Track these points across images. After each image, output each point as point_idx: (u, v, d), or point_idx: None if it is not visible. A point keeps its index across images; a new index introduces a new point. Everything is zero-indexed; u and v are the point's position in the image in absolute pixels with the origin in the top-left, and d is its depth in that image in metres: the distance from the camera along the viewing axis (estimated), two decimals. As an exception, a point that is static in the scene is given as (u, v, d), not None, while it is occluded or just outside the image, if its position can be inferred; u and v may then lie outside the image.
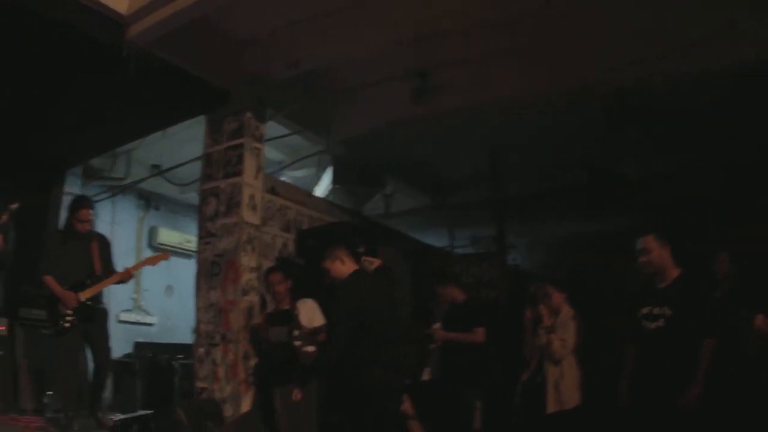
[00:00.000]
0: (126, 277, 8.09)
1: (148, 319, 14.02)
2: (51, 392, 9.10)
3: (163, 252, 13.13)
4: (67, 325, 7.77)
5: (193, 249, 14.19)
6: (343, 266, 6.52)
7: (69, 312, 7.75)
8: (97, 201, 12.08)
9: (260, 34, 8.03)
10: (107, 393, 10.03)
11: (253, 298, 8.51)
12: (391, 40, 7.90)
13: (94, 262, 8.06)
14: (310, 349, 7.05)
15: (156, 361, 10.90)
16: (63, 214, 11.95)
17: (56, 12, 7.16)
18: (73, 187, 12.61)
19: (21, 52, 8.00)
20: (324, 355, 6.48)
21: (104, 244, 8.36)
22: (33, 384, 9.36)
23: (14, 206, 7.42)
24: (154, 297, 14.23)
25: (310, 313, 7.47)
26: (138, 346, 11.84)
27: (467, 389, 7.91)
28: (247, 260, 8.44)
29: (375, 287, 6.60)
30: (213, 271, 8.71)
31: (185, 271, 14.22)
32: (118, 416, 7.18)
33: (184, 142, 11.16)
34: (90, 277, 7.97)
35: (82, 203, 8.19)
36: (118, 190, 13.31)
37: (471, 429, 7.76)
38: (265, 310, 8.52)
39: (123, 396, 10.67)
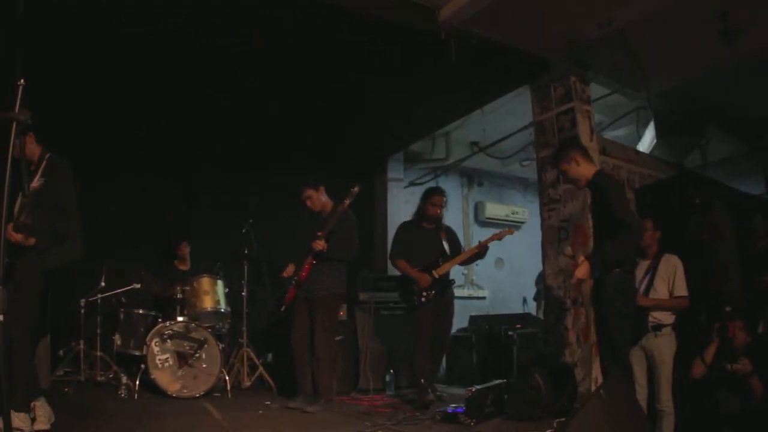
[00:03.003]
0: (482, 250, 8.07)
1: (480, 293, 13.84)
2: (392, 371, 9.10)
3: (495, 226, 13.09)
4: (424, 300, 7.94)
5: (520, 220, 14.01)
6: (579, 167, 6.06)
7: (425, 289, 7.93)
8: (420, 184, 12.13)
9: (570, -2, 7.46)
10: (442, 366, 9.97)
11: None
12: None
13: (443, 243, 8.28)
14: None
15: (493, 333, 10.53)
16: (390, 200, 12.19)
17: (375, 10, 7.22)
18: (396, 173, 12.76)
19: (345, 52, 8.23)
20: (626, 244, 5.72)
21: (452, 233, 8.61)
22: (374, 364, 9.40)
23: (356, 189, 7.41)
24: (485, 271, 13.98)
25: (669, 275, 6.67)
26: (473, 319, 11.58)
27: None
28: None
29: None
30: (560, 236, 8.39)
31: (514, 242, 13.98)
32: (475, 387, 6.92)
33: (501, 116, 10.89)
34: (441, 256, 8.15)
35: (436, 190, 8.44)
36: (440, 170, 13.12)
37: None
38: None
39: (458, 369, 10.66)
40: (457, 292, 11.71)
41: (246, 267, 9.25)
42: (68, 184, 5.54)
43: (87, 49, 7.66)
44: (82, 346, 8.34)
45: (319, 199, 7.79)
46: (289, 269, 7.80)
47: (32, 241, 5.07)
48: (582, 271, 5.79)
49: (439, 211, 8.27)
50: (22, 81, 3.60)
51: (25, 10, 5.41)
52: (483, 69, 8.58)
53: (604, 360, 5.99)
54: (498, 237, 8.16)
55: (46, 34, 7.00)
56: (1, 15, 4.34)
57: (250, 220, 9.42)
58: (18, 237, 4.97)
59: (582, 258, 5.93)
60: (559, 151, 6.36)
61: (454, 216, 13.11)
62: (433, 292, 7.94)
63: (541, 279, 12.27)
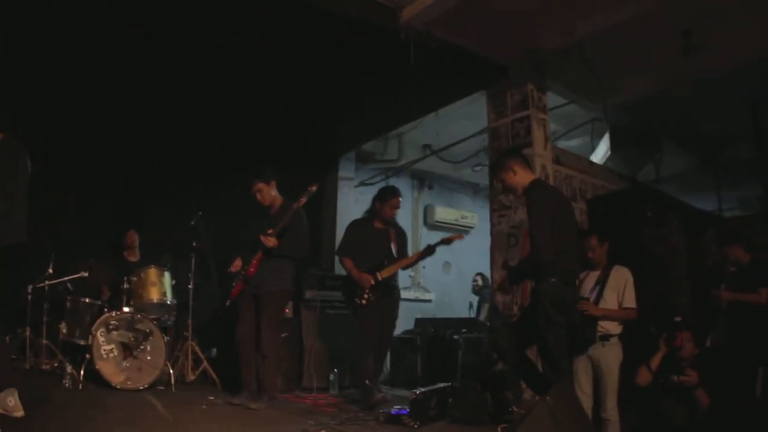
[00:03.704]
0: (428, 252, 8.21)
1: (426, 296, 13.87)
2: (336, 370, 9.08)
3: (444, 229, 13.19)
4: (365, 302, 7.92)
5: (469, 225, 14.06)
6: (516, 176, 6.11)
7: (366, 290, 7.90)
8: (371, 184, 12.11)
9: (533, 5, 7.44)
10: (386, 368, 9.98)
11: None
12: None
13: (391, 245, 8.22)
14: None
15: (438, 336, 10.59)
16: (340, 198, 12.17)
17: (335, 7, 7.17)
18: (347, 172, 12.77)
19: (301, 48, 8.24)
20: (530, 258, 5.90)
21: (401, 234, 8.57)
22: (318, 363, 9.41)
23: (313, 188, 7.32)
24: (432, 274, 14.01)
25: (619, 286, 6.71)
26: (418, 322, 11.60)
27: (751, 353, 6.98)
28: (544, 229, 8.00)
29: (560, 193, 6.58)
30: (509, 243, 8.37)
31: (461, 247, 14.01)
32: (419, 390, 6.94)
33: (455, 119, 10.88)
34: (387, 258, 8.11)
35: (394, 192, 8.34)
36: (391, 172, 13.10)
37: (752, 395, 6.85)
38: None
39: (403, 371, 10.66)
40: (404, 294, 11.76)
41: (193, 260, 9.14)
42: (9, 163, 5.43)
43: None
44: (28, 334, 8.17)
45: (269, 193, 7.70)
46: (237, 263, 7.71)
47: None
48: (497, 278, 5.96)
49: (395, 213, 8.32)
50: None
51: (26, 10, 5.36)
52: (441, 72, 8.58)
53: (543, 369, 5.99)
54: (446, 242, 8.19)
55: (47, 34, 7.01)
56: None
57: (199, 213, 9.28)
58: None
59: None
60: (497, 159, 6.52)
61: (403, 218, 13.08)
62: (374, 295, 7.94)
63: (485, 281, 12.28)
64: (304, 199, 7.34)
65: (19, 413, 5.33)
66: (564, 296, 5.79)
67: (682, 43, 7.77)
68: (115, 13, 7.12)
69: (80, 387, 7.39)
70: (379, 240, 8.26)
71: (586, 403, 6.24)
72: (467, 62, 8.35)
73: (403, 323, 10.87)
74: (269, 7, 7.07)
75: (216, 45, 7.98)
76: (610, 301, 6.52)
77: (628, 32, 7.72)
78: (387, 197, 8.25)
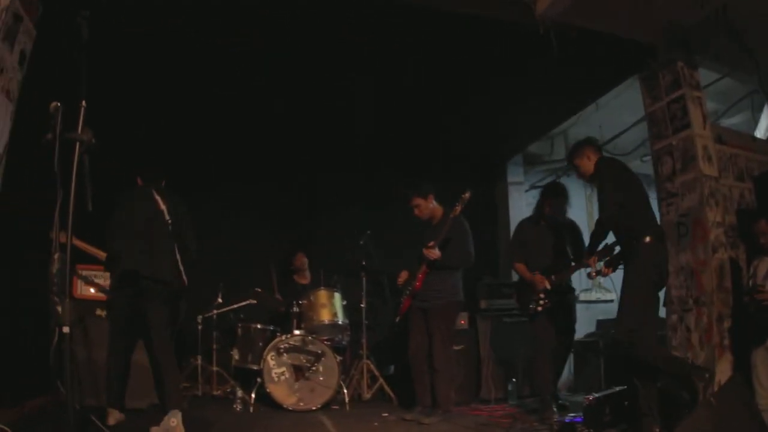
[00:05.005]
0: (608, 252, 7.28)
1: (607, 296, 13.38)
2: (514, 379, 8.85)
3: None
4: (540, 308, 7.50)
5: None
6: (590, 162, 6.64)
7: (541, 296, 7.47)
8: (542, 186, 11.79)
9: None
10: (569, 373, 9.65)
11: (723, 255, 7.54)
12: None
13: (564, 246, 7.83)
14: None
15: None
16: (511, 204, 11.95)
17: (469, 9, 7.09)
18: (516, 177, 12.58)
19: (450, 57, 8.19)
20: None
21: (576, 233, 8.17)
22: (496, 373, 9.19)
23: (467, 195, 7.25)
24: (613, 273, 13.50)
25: None
26: (600, 324, 11.16)
27: None
28: (713, 215, 7.57)
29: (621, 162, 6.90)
30: (680, 232, 7.90)
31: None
32: (593, 395, 6.67)
33: (615, 110, 10.59)
34: (561, 259, 7.70)
35: (554, 191, 8.13)
36: (561, 171, 12.72)
37: None
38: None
39: (586, 376, 10.23)
40: (584, 296, 11.41)
41: (364, 279, 9.20)
42: (119, 207, 6.10)
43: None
44: (199, 362, 8.51)
45: (427, 207, 7.70)
46: (403, 275, 7.77)
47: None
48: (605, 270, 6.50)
49: (559, 213, 7.93)
50: (84, 103, 3.71)
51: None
52: (588, 62, 8.26)
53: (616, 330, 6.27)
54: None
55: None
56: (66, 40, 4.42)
57: (368, 232, 9.36)
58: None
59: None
60: (574, 147, 6.94)
61: (577, 217, 12.62)
62: (549, 300, 7.44)
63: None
64: (459, 208, 7.28)
65: None
66: (660, 254, 6.13)
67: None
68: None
69: (251, 410, 7.58)
70: (549, 240, 7.85)
71: (766, 399, 5.80)
72: (612, 47, 8.01)
73: (586, 326, 10.52)
74: (414, 20, 7.17)
75: (381, 61, 8.13)
76: (786, 287, 6.07)
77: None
78: (547, 195, 8.03)
